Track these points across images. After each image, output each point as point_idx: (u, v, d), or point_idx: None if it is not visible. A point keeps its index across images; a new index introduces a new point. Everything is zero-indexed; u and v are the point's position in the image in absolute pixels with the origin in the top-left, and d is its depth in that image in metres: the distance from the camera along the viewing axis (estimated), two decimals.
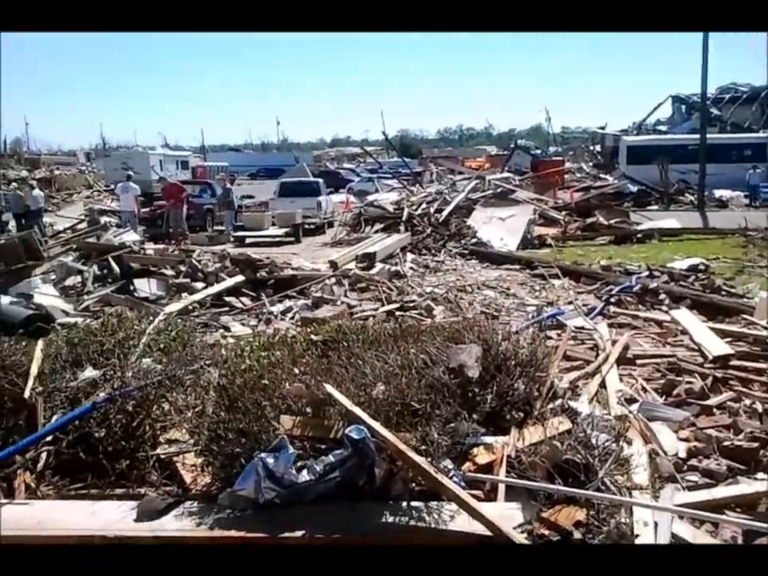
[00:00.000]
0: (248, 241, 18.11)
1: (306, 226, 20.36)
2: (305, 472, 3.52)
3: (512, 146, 44.77)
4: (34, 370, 4.44)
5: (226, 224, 19.64)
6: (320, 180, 24.57)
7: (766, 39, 27.28)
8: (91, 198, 32.20)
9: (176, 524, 3.46)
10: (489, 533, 3.22)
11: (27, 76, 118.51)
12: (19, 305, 8.04)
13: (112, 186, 35.16)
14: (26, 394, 4.25)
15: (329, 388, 3.82)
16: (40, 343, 4.87)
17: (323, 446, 3.68)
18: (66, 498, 3.85)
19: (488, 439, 3.93)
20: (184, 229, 17.53)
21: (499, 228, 15.53)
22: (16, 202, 20.03)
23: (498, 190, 19.62)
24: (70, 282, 10.35)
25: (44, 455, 4.05)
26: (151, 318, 5.80)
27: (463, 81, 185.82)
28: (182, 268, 10.50)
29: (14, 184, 23.88)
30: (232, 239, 18.39)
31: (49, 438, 4.09)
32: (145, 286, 9.78)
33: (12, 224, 19.55)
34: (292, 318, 8.48)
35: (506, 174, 24.29)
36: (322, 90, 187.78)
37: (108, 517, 3.54)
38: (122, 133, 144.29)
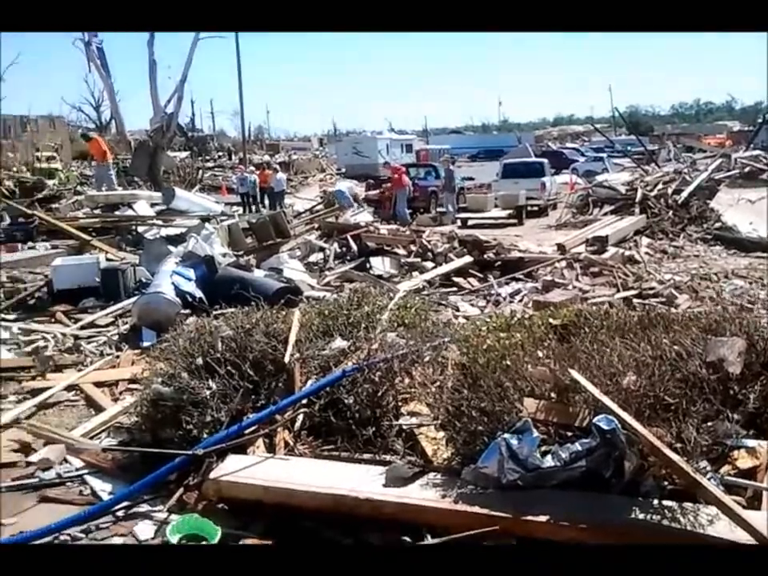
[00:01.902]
0: (470, 222, 18.21)
1: (529, 208, 20.02)
2: (549, 457, 3.46)
3: (759, 120, 40.23)
4: (292, 338, 4.83)
5: (445, 205, 19.88)
6: (544, 160, 23.98)
7: None
8: (324, 180, 34.35)
9: (421, 493, 3.59)
10: (753, 541, 2.95)
11: (270, 70, 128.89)
12: (271, 278, 8.82)
13: (343, 170, 37.31)
14: (286, 359, 4.63)
15: (574, 374, 3.72)
16: (297, 313, 5.29)
17: (568, 433, 3.61)
18: (318, 458, 4.15)
19: (750, 442, 3.60)
20: (404, 214, 17.97)
21: (748, 211, 14.06)
22: (255, 184, 22.00)
23: (746, 169, 17.75)
24: (313, 258, 11.16)
25: (300, 416, 4.40)
26: (391, 295, 6.05)
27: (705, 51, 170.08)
28: (413, 248, 10.83)
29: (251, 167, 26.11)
30: (455, 220, 18.62)
31: (304, 401, 4.44)
32: (379, 264, 10.24)
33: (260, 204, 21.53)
34: (521, 300, 8.39)
35: (755, 152, 21.88)
36: (545, 67, 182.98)
37: (357, 479, 3.76)
38: (351, 119, 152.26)
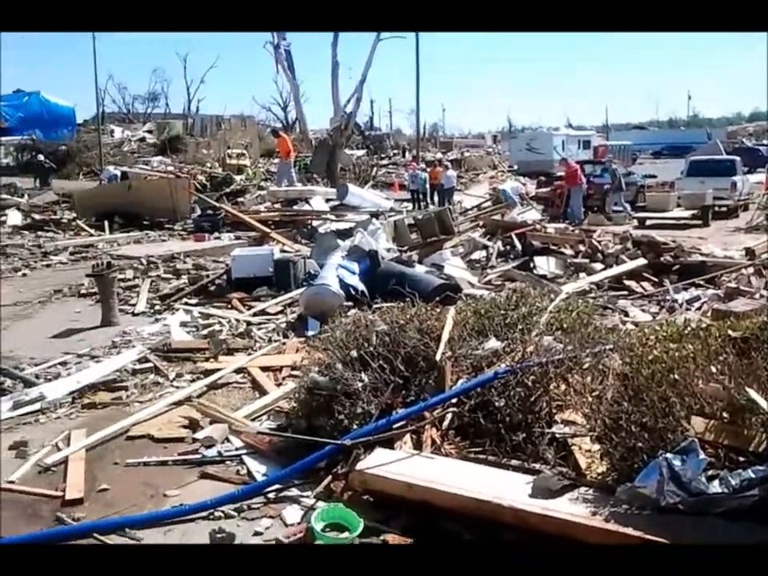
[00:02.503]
0: (649, 222, 17.15)
1: (716, 209, 18.49)
2: (716, 483, 3.14)
3: None
4: (445, 335, 4.77)
5: (608, 205, 18.85)
6: (736, 158, 22.03)
7: None
8: (495, 178, 33.98)
9: (569, 507, 3.39)
10: None
11: (447, 68, 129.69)
12: (432, 274, 8.83)
13: (515, 167, 36.68)
14: (438, 356, 4.59)
15: (752, 393, 3.34)
16: (452, 311, 5.22)
17: (740, 458, 3.24)
18: (465, 459, 4.06)
19: None
20: (579, 212, 17.25)
21: None
22: (426, 181, 22.15)
23: None
24: (475, 255, 11.04)
25: (449, 416, 4.33)
26: (552, 296, 5.80)
27: None
28: (581, 248, 10.37)
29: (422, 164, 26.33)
30: (629, 220, 17.63)
31: (454, 401, 4.36)
32: (544, 264, 9.91)
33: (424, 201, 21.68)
34: (698, 308, 7.73)
35: None
36: (740, 61, 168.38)
37: (502, 485, 3.63)
38: (527, 115, 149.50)
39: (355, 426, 4.26)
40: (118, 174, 22.77)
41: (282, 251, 11.00)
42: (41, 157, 30.63)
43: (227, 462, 4.57)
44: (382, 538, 3.54)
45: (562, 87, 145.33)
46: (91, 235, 15.64)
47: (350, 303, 7.72)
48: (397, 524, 3.67)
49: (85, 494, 4.19)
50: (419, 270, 9.06)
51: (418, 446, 4.25)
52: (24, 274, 12.02)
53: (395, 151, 43.90)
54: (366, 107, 53.89)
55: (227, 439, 4.86)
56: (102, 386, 5.97)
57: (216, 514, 3.87)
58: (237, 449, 4.72)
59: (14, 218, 17.42)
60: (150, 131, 44.63)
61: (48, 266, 12.76)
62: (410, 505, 3.75)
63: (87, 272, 10.35)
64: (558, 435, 4.04)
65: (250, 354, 6.78)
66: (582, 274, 9.52)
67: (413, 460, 4.00)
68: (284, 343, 7.16)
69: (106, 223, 16.20)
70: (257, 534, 3.69)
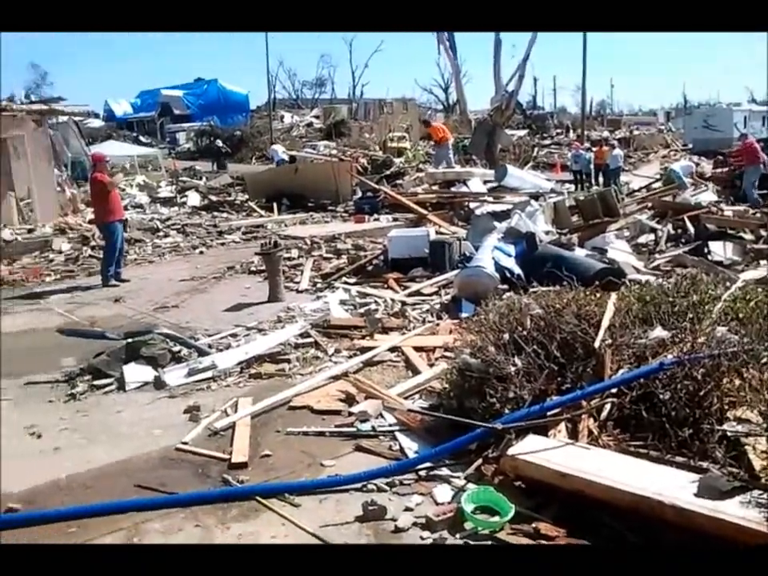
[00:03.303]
0: None
1: None
2: None
3: None
4: (605, 322, 4.56)
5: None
6: None
7: None
8: (667, 157, 31.90)
9: (739, 511, 3.13)
10: None
11: (615, 42, 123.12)
12: (593, 258, 8.47)
13: (690, 145, 34.21)
14: (596, 344, 4.39)
15: None
16: (613, 296, 4.98)
17: None
18: (624, 452, 3.86)
19: None
20: (752, 194, 15.70)
21: None
22: (590, 161, 21.18)
23: None
24: (642, 239, 10.45)
25: (607, 406, 4.14)
26: (727, 284, 5.36)
27: None
28: (763, 233, 9.49)
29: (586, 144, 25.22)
30: None
31: (613, 390, 4.16)
32: (719, 249, 9.19)
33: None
34: None
35: None
36: None
37: (664, 483, 3.42)
38: (705, 91, 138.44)
39: (507, 411, 4.19)
40: (286, 157, 23.88)
41: (438, 233, 11.02)
42: (219, 142, 32.79)
43: (380, 437, 4.68)
44: (533, 525, 3.47)
45: (743, 59, 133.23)
46: (261, 216, 16.57)
47: (505, 286, 7.59)
48: (548, 513, 3.58)
49: (249, 458, 4.46)
50: (580, 253, 8.72)
51: (572, 435, 4.11)
52: (201, 252, 12.98)
53: (558, 131, 42.50)
54: (528, 86, 52.53)
55: (381, 415, 4.98)
56: (268, 358, 6.32)
57: (369, 486, 3.97)
58: (390, 425, 4.82)
59: (194, 199, 18.83)
60: (316, 116, 46.42)
61: (222, 244, 13.69)
62: (562, 494, 3.64)
63: (257, 251, 11.00)
64: (729, 433, 3.73)
65: (404, 334, 6.88)
66: (762, 262, 8.72)
67: (567, 449, 3.87)
68: (437, 324, 7.19)
69: (275, 205, 17.08)
70: (407, 509, 3.74)
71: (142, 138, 43.43)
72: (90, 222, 14.73)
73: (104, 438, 4.94)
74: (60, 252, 12.78)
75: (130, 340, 6.34)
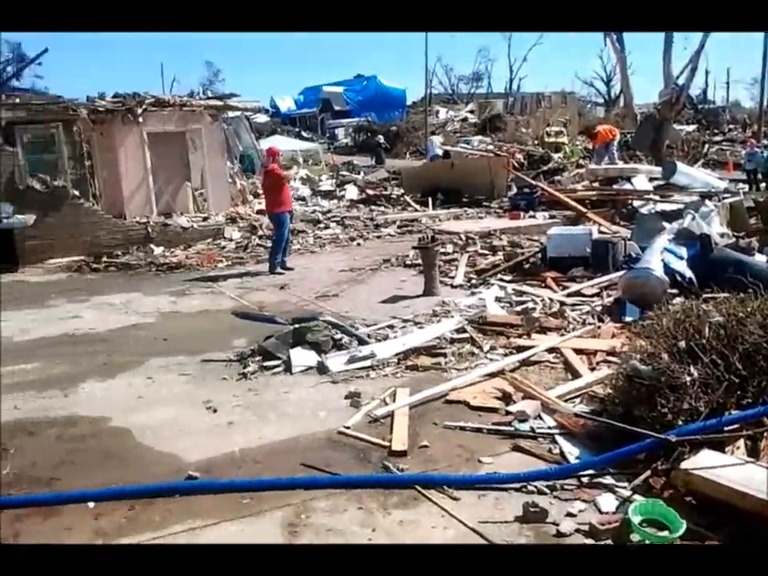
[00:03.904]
0: None
1: None
2: None
3: None
4: None
5: None
6: None
7: None
8: None
9: None
10: None
11: None
12: None
13: None
14: None
15: None
16: None
17: None
18: None
19: None
20: None
21: None
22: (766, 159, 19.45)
23: None
24: None
25: None
26: None
27: None
28: None
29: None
30: None
31: None
32: None
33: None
34: None
35: None
36: None
37: None
38: None
39: (680, 422, 3.98)
40: (440, 152, 23.98)
41: (600, 232, 10.63)
42: (380, 138, 33.60)
43: (539, 439, 4.60)
44: (706, 543, 3.29)
45: None
46: (416, 210, 16.79)
47: (675, 290, 7.19)
48: (722, 532, 3.37)
49: (408, 447, 4.55)
50: (760, 259, 8.07)
51: (752, 453, 3.84)
52: (358, 244, 13.36)
53: (731, 126, 39.53)
54: (699, 78, 49.22)
55: (539, 416, 4.89)
56: (424, 351, 6.41)
57: (528, 487, 3.93)
58: (549, 427, 4.73)
59: (352, 192, 19.41)
60: (471, 111, 46.17)
61: (378, 237, 14.01)
62: (739, 514, 3.41)
63: (412, 244, 11.17)
64: None
65: (563, 335, 6.71)
66: None
67: (746, 468, 3.62)
68: (599, 327, 6.94)
69: (430, 199, 17.23)
70: (570, 515, 3.66)
71: (303, 133, 45.33)
72: (258, 212, 15.62)
73: (273, 417, 5.24)
74: (231, 240, 13.66)
75: (296, 325, 6.66)
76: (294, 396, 5.66)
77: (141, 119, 14.61)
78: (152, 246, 13.22)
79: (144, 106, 14.59)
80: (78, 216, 13.05)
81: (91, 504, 4.01)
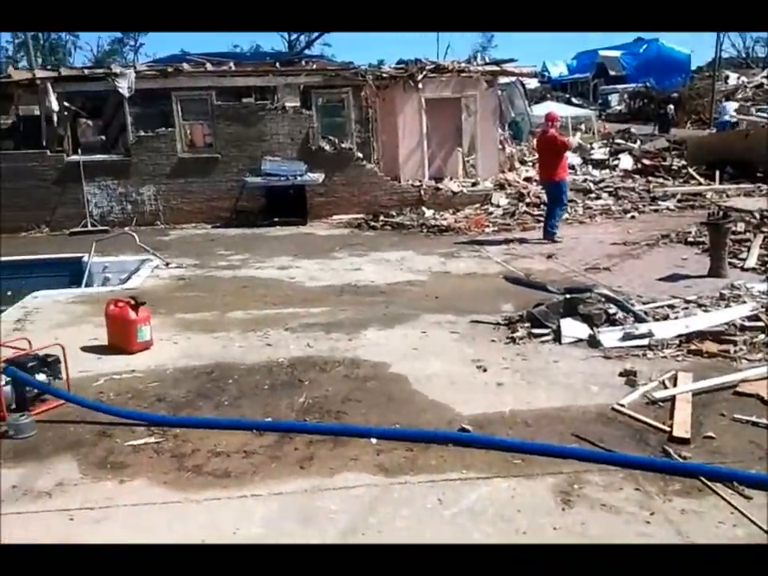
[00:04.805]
0: None
1: None
2: None
3: None
4: None
5: None
6: None
7: None
8: None
9: None
10: None
11: None
12: None
13: None
14: None
15: None
16: None
17: None
18: None
19: None
20: None
21: None
22: None
23: None
24: None
25: None
26: None
27: None
28: None
29: None
30: None
31: None
32: None
33: None
34: None
35: None
36: None
37: None
38: None
39: None
40: (732, 120, 21.65)
41: None
42: (671, 107, 31.38)
43: None
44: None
45: None
46: (700, 184, 15.39)
47: None
48: None
49: (690, 435, 4.25)
50: None
51: None
52: (632, 216, 12.66)
53: None
54: None
55: None
56: (710, 336, 5.90)
57: None
58: None
59: (626, 162, 18.32)
60: None
61: (655, 210, 13.13)
62: None
63: (695, 220, 10.31)
64: None
65: None
66: None
67: None
68: None
69: (717, 172, 15.69)
70: None
71: (574, 100, 43.72)
72: (525, 179, 15.48)
73: (543, 383, 5.21)
74: (498, 206, 13.72)
75: (568, 296, 6.53)
76: (564, 366, 5.57)
77: (420, 85, 15.12)
78: (424, 208, 13.76)
79: (424, 73, 15.08)
80: (360, 177, 14.02)
81: (374, 440, 4.34)
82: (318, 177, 13.54)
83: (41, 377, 4.92)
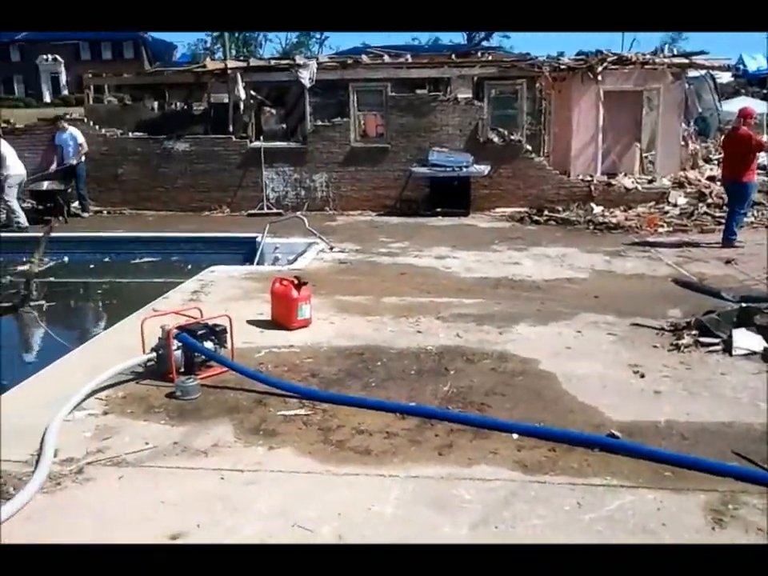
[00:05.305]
0: None
1: None
2: None
3: None
4: None
5: None
6: None
7: None
8: None
9: None
10: None
11: None
12: None
13: None
14: None
15: None
16: None
17: None
18: None
19: None
20: None
21: None
22: None
23: None
24: None
25: None
26: None
27: None
28: None
29: None
30: None
31: None
32: None
33: None
34: None
35: None
36: None
37: None
38: None
39: None
40: None
41: None
42: None
43: None
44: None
45: None
46: None
47: None
48: None
49: None
50: None
51: None
52: None
53: None
54: None
55: None
56: None
57: None
58: None
59: None
60: None
61: None
62: None
63: None
64: None
65: None
66: None
67: None
68: None
69: None
70: None
71: None
72: (708, 178, 14.41)
73: (706, 395, 4.86)
74: (675, 205, 12.89)
75: (744, 304, 6.01)
76: (732, 379, 5.15)
77: (600, 77, 14.52)
78: (592, 204, 13.23)
79: (605, 64, 14.45)
80: (527, 169, 13.74)
81: (515, 435, 4.27)
82: (484, 169, 13.44)
83: (209, 344, 5.32)
